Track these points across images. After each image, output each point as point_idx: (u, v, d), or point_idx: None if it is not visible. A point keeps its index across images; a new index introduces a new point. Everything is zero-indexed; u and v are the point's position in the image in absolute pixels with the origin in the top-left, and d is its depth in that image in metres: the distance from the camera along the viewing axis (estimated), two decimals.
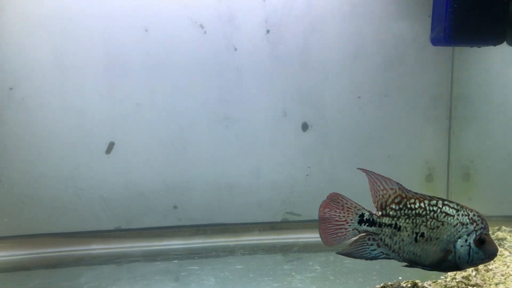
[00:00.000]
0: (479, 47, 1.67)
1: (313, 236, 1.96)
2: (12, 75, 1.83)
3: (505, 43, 1.62)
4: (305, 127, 2.00)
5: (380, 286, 1.37)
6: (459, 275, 1.47)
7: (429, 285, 1.38)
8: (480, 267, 1.48)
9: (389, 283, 1.38)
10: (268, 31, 1.92)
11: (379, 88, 2.01)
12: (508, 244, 1.64)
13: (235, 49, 1.92)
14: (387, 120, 2.03)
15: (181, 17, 1.89)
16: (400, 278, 1.45)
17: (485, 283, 1.39)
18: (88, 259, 1.81)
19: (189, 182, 1.97)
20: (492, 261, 1.48)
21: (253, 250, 1.91)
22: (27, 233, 1.87)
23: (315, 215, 1.98)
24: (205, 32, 1.89)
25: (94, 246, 1.90)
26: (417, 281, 1.39)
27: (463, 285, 1.38)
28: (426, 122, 2.05)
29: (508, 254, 1.55)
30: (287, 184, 2.01)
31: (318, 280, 1.54)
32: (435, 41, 1.63)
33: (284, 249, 1.90)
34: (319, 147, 2.01)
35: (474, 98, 2.00)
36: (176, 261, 1.76)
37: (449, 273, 1.51)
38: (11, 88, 1.82)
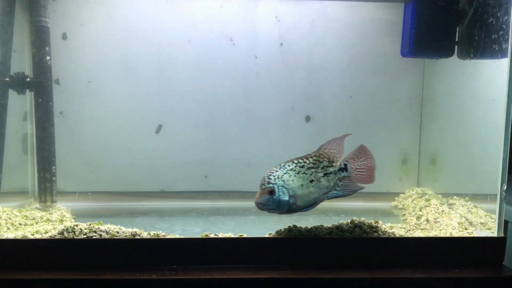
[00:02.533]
0: (437, 59, 2.13)
1: None
2: (90, 71, 2.33)
3: (455, 56, 2.09)
4: (308, 119, 2.42)
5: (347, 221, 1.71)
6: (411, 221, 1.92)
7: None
8: (431, 219, 1.92)
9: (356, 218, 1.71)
10: (281, 44, 2.36)
11: (366, 90, 2.39)
12: (455, 207, 2.07)
13: (256, 57, 2.37)
14: (372, 115, 2.40)
15: (215, 32, 2.34)
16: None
17: (432, 228, 1.83)
18: (139, 212, 2.25)
19: (217, 158, 2.41)
20: (440, 216, 1.95)
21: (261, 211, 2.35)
22: (97, 190, 2.36)
23: None
24: (233, 44, 2.36)
25: (144, 203, 2.37)
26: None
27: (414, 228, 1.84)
28: (403, 117, 2.41)
29: (454, 213, 1.98)
30: None
31: (311, 224, 1.88)
32: (403, 53, 2.09)
33: None
34: (318, 134, 2.40)
35: (439, 99, 2.32)
36: (206, 213, 2.21)
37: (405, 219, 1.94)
38: (89, 81, 2.34)
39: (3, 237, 1.63)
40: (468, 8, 1.93)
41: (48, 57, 2.22)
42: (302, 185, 1.55)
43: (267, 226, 1.96)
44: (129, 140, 2.40)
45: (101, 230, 1.62)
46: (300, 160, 1.59)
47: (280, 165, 1.57)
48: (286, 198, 1.53)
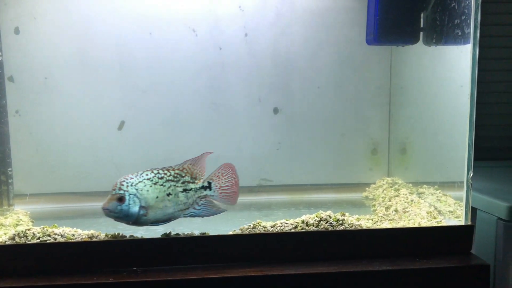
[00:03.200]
0: (402, 46, 2.12)
1: (281, 197, 2.38)
2: (47, 67, 2.21)
3: (421, 42, 2.07)
4: (276, 111, 2.37)
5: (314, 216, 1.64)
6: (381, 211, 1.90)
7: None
8: (400, 209, 1.90)
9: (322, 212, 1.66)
10: (246, 35, 2.29)
11: (334, 80, 2.35)
12: (425, 196, 2.05)
13: (220, 49, 2.29)
14: (341, 106, 2.37)
15: (177, 23, 2.25)
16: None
17: (400, 219, 1.82)
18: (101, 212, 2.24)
19: (184, 154, 2.33)
20: (409, 206, 1.92)
21: (236, 208, 2.29)
22: (56, 191, 2.25)
23: (284, 181, 2.43)
24: (196, 35, 2.28)
25: None
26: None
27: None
28: (371, 107, 2.38)
29: (423, 202, 1.97)
30: (262, 156, 2.37)
31: (279, 219, 1.91)
32: (368, 41, 2.06)
33: (258, 206, 2.25)
34: (287, 127, 2.36)
35: (408, 87, 2.29)
36: None
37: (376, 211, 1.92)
38: (46, 78, 2.22)
39: None
40: None
41: None
42: (157, 197, 1.48)
43: (234, 223, 1.90)
44: (90, 138, 2.30)
45: (55, 234, 1.54)
46: (160, 171, 1.52)
47: (137, 172, 1.49)
48: (136, 208, 1.45)
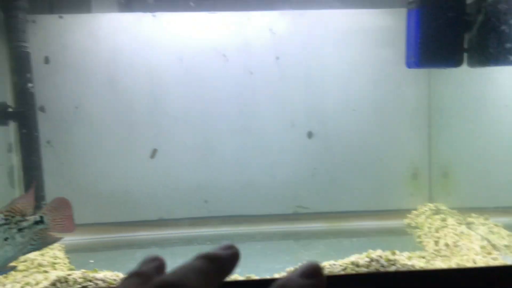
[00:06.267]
0: (444, 69, 2.04)
1: (319, 225, 2.31)
2: (77, 96, 2.19)
3: (465, 65, 1.98)
4: (310, 135, 2.30)
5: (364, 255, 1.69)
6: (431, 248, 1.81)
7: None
8: (450, 243, 1.82)
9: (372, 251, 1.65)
10: (277, 58, 2.24)
11: (370, 102, 2.27)
12: (475, 226, 1.96)
13: (251, 73, 2.25)
14: (378, 128, 2.28)
15: (207, 49, 2.22)
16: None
17: (453, 254, 1.74)
18: (137, 243, 2.15)
19: (216, 180, 2.29)
20: (459, 239, 1.83)
21: (270, 236, 2.20)
22: (91, 221, 2.20)
23: (321, 208, 2.35)
24: (227, 60, 2.23)
25: (142, 233, 2.23)
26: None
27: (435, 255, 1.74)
28: (410, 129, 2.29)
29: (474, 234, 1.88)
30: (297, 182, 2.30)
31: (322, 255, 1.84)
32: (409, 64, 1.98)
33: (295, 236, 2.20)
34: (322, 151, 2.29)
35: (448, 108, 2.21)
36: (209, 242, 2.10)
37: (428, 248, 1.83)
38: (76, 107, 2.20)
39: None
40: (476, 14, 1.82)
41: (30, 84, 2.09)
42: None
43: (276, 258, 1.85)
44: (122, 166, 2.26)
45: (96, 279, 1.49)
46: None
47: None
48: None
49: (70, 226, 1.59)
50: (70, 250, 2.00)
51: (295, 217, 2.32)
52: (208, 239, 2.19)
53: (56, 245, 2.04)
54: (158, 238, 2.21)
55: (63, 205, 1.59)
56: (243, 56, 2.24)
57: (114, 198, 2.26)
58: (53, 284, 1.47)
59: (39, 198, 2.08)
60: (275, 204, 2.32)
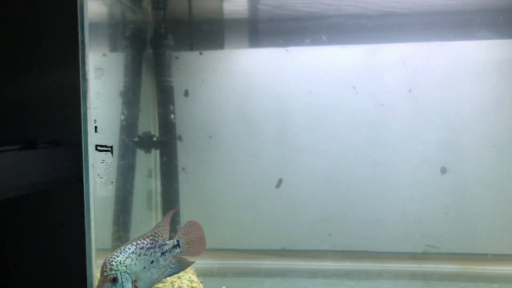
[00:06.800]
0: None
1: (451, 267, 2.16)
2: (211, 127, 2.33)
3: None
4: (443, 170, 2.18)
5: None
6: None
7: None
8: None
9: None
10: (410, 90, 2.18)
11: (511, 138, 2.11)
12: None
13: (382, 105, 2.21)
14: None
15: (337, 80, 2.22)
16: None
17: None
18: (262, 272, 2.18)
19: (342, 214, 2.24)
20: None
21: (397, 275, 2.12)
22: (218, 247, 2.27)
23: (454, 249, 2.21)
24: (357, 92, 2.23)
25: (266, 261, 2.26)
26: None
27: None
28: None
29: None
30: (427, 220, 2.18)
31: None
32: None
33: (424, 277, 2.09)
34: (456, 188, 2.15)
35: None
36: (334, 277, 2.07)
37: None
38: (210, 137, 2.33)
39: None
40: None
41: (172, 116, 2.25)
42: (144, 267, 1.48)
43: None
44: (249, 195, 2.32)
45: None
46: (139, 242, 1.51)
47: (120, 249, 1.48)
48: (129, 285, 1.42)
49: (201, 249, 1.69)
50: (200, 274, 2.07)
51: (424, 256, 2.20)
52: (332, 273, 2.16)
53: (188, 268, 2.15)
54: (281, 269, 2.22)
55: (195, 228, 1.69)
56: (374, 88, 2.21)
57: (241, 225, 2.32)
58: None
59: (175, 222, 2.22)
60: (403, 242, 2.22)
